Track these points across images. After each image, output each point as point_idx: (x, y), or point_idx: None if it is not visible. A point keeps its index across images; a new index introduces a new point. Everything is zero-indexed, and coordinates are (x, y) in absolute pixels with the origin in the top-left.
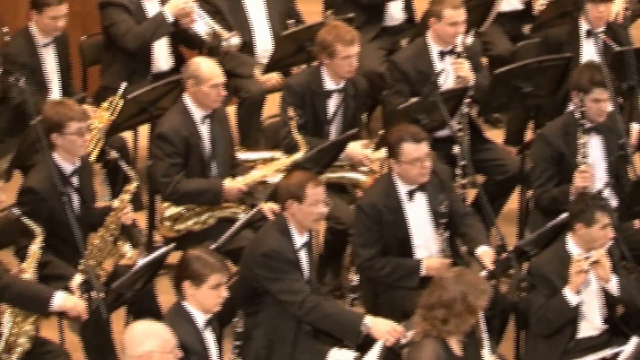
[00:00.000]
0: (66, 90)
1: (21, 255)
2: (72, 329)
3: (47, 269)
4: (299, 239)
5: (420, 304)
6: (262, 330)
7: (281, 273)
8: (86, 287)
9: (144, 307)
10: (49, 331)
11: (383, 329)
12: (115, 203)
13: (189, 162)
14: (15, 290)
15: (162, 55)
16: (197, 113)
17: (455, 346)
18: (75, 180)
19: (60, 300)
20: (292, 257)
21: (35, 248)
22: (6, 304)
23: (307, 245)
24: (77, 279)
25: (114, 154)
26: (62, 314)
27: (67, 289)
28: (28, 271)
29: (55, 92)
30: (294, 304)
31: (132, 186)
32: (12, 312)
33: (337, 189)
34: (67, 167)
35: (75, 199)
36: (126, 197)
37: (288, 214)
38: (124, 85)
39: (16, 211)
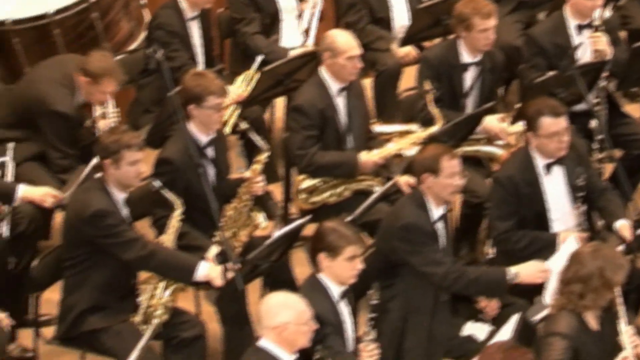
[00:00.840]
0: (209, 63)
1: (158, 226)
2: (209, 299)
3: (184, 240)
4: (436, 212)
5: (557, 279)
6: (399, 302)
7: (420, 245)
8: (222, 258)
9: (279, 278)
10: (185, 302)
11: (531, 272)
12: (247, 174)
13: (325, 135)
14: (161, 258)
15: (292, 36)
16: (333, 86)
17: (592, 321)
18: (210, 152)
19: (205, 269)
20: (430, 229)
21: (175, 220)
22: (151, 272)
23: (444, 218)
24: (213, 250)
25: (244, 125)
26: (198, 285)
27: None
28: (167, 243)
29: (200, 65)
30: (436, 275)
31: (263, 156)
32: (151, 283)
33: (473, 162)
34: (202, 138)
35: (211, 170)
36: (257, 167)
37: (424, 187)
38: (259, 58)
39: (157, 183)
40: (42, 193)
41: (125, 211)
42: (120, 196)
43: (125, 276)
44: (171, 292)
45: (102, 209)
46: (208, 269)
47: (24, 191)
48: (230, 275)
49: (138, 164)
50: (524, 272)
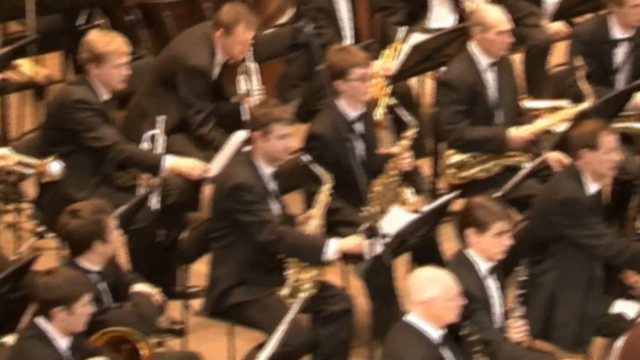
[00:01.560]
0: (357, 38)
1: (309, 200)
2: (356, 274)
3: (336, 215)
4: (592, 187)
5: None
6: (551, 276)
7: (582, 218)
8: (370, 233)
9: (427, 253)
10: (333, 276)
11: None
12: (395, 149)
13: (474, 110)
14: (289, 242)
15: (443, 18)
16: (483, 60)
17: None
18: (359, 127)
19: (335, 246)
20: (590, 203)
21: (323, 195)
22: (282, 254)
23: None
24: (362, 225)
25: (391, 101)
26: (347, 259)
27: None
28: (315, 217)
29: (348, 40)
30: (600, 246)
31: (411, 132)
32: None
33: (622, 139)
34: (351, 113)
35: (359, 145)
36: (405, 143)
37: (581, 163)
38: (404, 29)
39: (305, 158)
40: (189, 164)
41: (272, 185)
42: (267, 170)
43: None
44: (319, 267)
45: (243, 182)
46: (340, 244)
47: (171, 162)
48: (378, 250)
49: (287, 138)
50: None
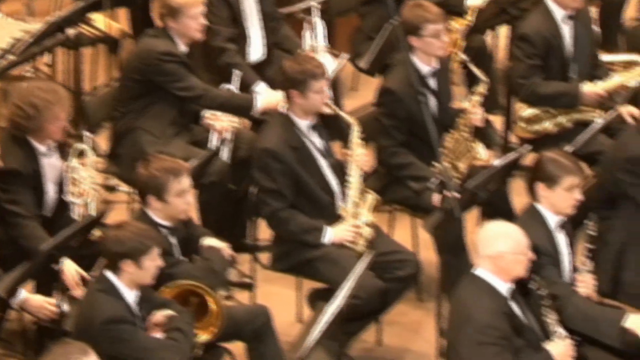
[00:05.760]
0: None
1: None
2: (425, 227)
3: (406, 170)
4: None
5: None
6: (619, 234)
7: None
8: (441, 187)
9: (497, 207)
10: (402, 229)
11: None
12: (466, 104)
13: (549, 63)
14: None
15: None
16: (559, 13)
17: None
18: (432, 82)
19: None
20: None
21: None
22: None
23: None
24: (432, 179)
25: (462, 57)
26: (415, 212)
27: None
28: None
29: None
30: None
31: (482, 88)
32: None
33: None
34: (425, 68)
35: (432, 100)
36: (476, 98)
37: None
38: None
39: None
40: (278, 97)
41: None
42: (303, 123)
43: None
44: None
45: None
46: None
47: (262, 100)
48: (448, 204)
49: (323, 92)
50: None
